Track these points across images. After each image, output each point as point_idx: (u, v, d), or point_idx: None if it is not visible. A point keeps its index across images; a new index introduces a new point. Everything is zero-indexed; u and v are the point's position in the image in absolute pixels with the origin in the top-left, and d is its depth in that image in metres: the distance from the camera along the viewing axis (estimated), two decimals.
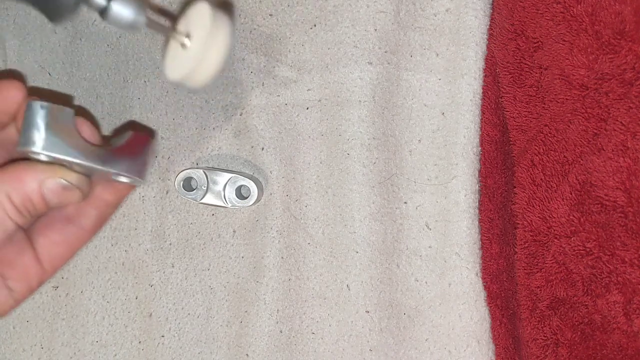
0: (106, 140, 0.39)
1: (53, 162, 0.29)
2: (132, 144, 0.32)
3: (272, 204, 0.40)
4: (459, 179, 0.38)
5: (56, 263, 0.33)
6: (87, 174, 0.31)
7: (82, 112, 0.42)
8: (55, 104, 0.29)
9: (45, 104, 0.29)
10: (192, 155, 0.41)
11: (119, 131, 0.40)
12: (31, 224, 0.32)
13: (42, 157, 0.29)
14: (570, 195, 0.33)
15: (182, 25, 0.28)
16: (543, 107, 0.35)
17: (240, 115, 0.40)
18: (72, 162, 0.29)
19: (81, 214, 0.33)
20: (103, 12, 0.26)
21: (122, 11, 0.26)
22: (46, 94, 0.42)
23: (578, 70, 0.33)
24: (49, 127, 0.28)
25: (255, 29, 0.40)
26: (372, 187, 0.38)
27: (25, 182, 0.28)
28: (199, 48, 0.27)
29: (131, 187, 0.34)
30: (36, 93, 0.39)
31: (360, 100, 0.38)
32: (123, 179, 0.32)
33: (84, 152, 0.29)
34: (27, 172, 0.29)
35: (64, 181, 0.29)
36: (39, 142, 0.28)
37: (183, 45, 0.27)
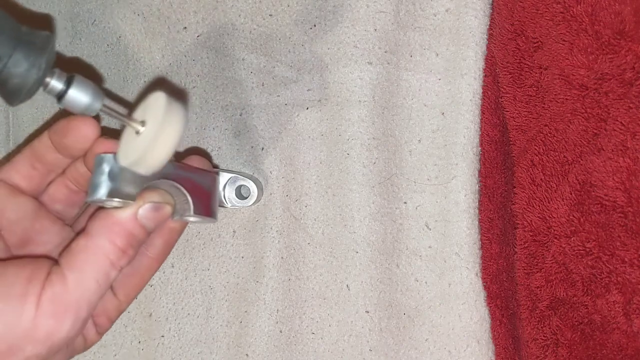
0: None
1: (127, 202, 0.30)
2: (200, 181, 0.33)
3: (272, 204, 0.40)
4: (459, 179, 0.38)
5: (130, 294, 0.33)
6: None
7: None
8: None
9: (110, 155, 0.29)
10: None
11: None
12: None
13: (114, 203, 0.29)
14: (570, 195, 0.33)
15: (138, 113, 0.29)
16: (543, 107, 0.35)
17: (240, 115, 0.40)
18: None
19: (149, 244, 0.33)
20: (60, 96, 0.27)
21: (79, 97, 0.27)
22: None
23: (578, 70, 0.33)
24: (112, 174, 0.29)
25: (255, 29, 0.40)
26: (372, 187, 0.38)
27: (123, 221, 0.29)
28: (150, 136, 0.27)
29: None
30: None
31: (360, 100, 0.38)
32: (193, 219, 0.33)
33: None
34: (119, 212, 0.29)
35: (152, 203, 0.30)
36: (103, 190, 0.29)
37: (137, 132, 0.28)
